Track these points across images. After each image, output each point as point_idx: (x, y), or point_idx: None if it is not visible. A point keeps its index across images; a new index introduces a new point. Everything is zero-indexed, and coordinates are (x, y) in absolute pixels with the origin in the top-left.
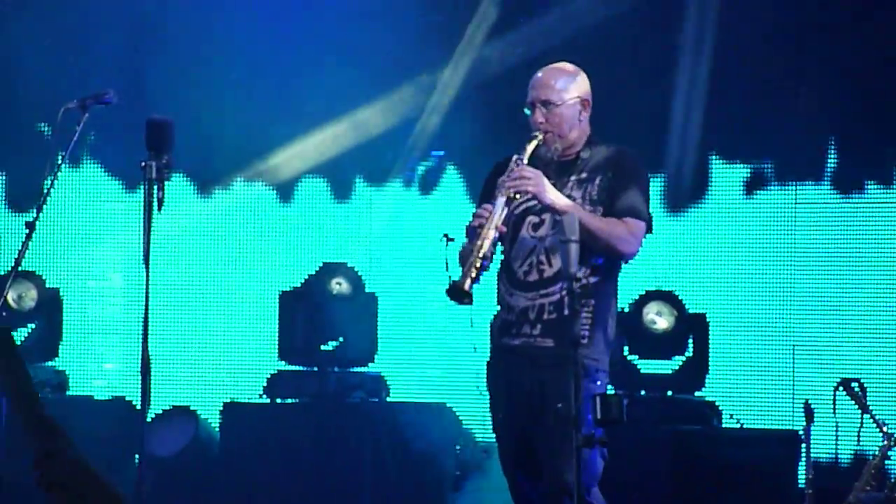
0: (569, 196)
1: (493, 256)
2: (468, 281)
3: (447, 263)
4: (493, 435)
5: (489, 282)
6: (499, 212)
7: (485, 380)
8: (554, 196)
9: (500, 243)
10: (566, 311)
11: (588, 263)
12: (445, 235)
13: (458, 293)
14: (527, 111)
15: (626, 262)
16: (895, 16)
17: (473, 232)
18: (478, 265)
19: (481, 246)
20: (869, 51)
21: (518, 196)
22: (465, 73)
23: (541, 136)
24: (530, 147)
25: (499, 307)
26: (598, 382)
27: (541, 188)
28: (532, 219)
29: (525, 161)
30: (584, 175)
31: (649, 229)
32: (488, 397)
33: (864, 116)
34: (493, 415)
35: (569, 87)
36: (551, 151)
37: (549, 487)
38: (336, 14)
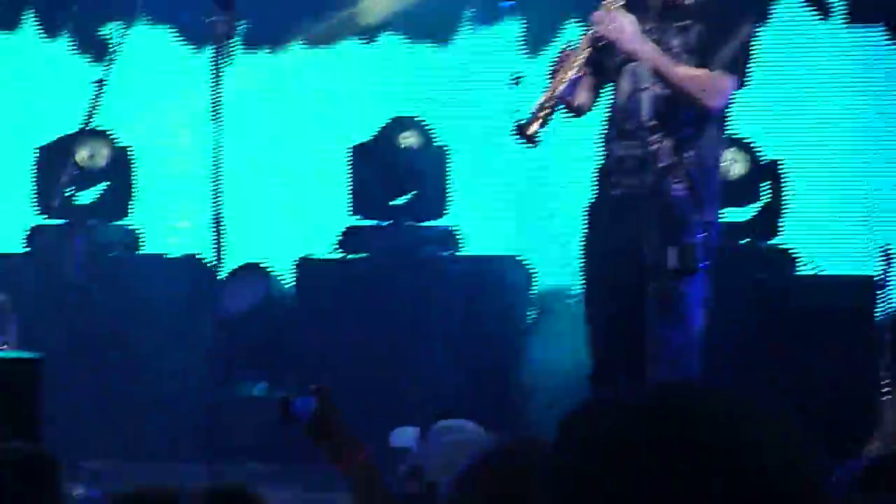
0: (668, 44)
1: (573, 99)
2: (535, 124)
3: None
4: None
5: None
6: (581, 53)
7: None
8: (636, 44)
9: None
10: (662, 162)
11: (680, 115)
12: (513, 76)
13: (523, 135)
14: None
15: (711, 115)
16: None
17: (554, 72)
18: (548, 106)
19: (555, 88)
20: None
21: (600, 41)
22: None
23: None
24: None
25: (602, 152)
26: (700, 236)
27: (624, 34)
28: (634, 65)
29: (619, 2)
30: (686, 22)
31: (740, 84)
32: (583, 243)
33: None
34: (585, 261)
35: None
36: None
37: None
38: None
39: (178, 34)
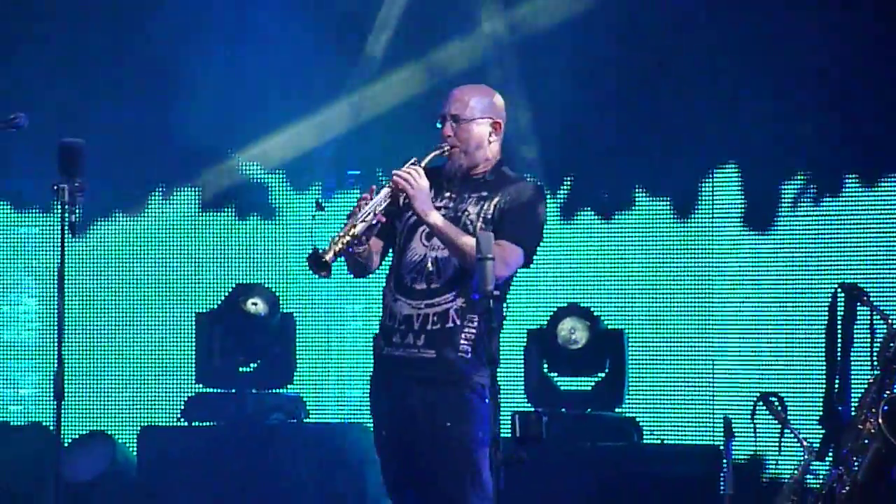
0: (465, 210)
1: (365, 244)
2: (331, 252)
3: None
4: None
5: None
6: (380, 200)
7: (368, 395)
8: (426, 207)
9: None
10: (450, 324)
11: (468, 280)
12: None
13: (317, 261)
14: (438, 124)
15: (497, 283)
16: None
17: (351, 214)
18: (346, 240)
19: (354, 225)
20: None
21: (400, 191)
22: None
23: (446, 148)
24: (431, 155)
25: (381, 313)
26: (486, 400)
27: (418, 193)
28: (425, 228)
29: (422, 165)
30: (484, 193)
31: (528, 261)
32: (370, 413)
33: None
34: (377, 433)
35: (481, 105)
36: (455, 167)
37: None
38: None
39: (25, 198)
